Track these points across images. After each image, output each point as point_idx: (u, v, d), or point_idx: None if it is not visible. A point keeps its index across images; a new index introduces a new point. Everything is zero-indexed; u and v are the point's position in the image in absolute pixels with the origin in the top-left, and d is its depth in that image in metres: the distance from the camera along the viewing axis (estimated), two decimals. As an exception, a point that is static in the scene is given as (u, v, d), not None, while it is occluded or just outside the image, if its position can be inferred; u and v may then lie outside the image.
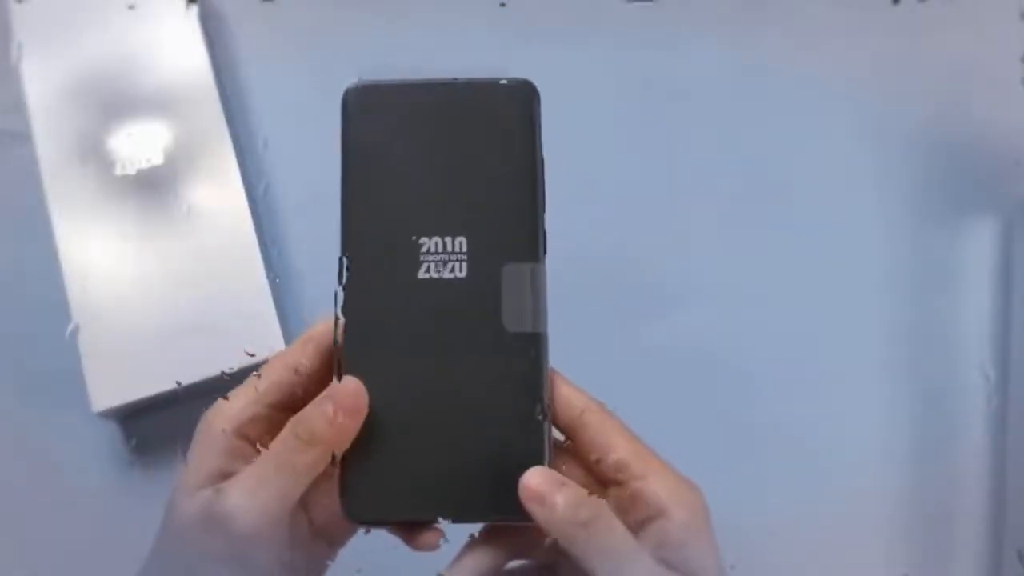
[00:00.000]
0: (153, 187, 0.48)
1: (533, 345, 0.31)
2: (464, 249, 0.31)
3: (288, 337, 0.46)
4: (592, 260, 0.50)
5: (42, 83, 0.49)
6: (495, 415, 0.30)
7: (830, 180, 0.53)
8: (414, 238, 0.31)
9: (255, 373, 0.31)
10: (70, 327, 0.45)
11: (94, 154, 0.48)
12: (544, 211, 0.32)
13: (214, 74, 0.50)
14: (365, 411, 0.30)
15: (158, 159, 0.48)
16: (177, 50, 0.50)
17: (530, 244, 0.31)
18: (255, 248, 0.47)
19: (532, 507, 0.29)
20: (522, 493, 0.29)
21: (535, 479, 0.29)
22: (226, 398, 0.31)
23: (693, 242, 0.52)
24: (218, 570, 0.28)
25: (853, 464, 0.49)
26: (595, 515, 0.29)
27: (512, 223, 0.31)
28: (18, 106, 0.49)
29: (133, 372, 0.45)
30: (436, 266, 0.31)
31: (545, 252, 0.31)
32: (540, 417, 0.30)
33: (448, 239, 0.31)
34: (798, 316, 0.50)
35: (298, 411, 0.30)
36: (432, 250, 0.31)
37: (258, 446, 0.30)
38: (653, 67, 0.54)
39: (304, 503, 0.30)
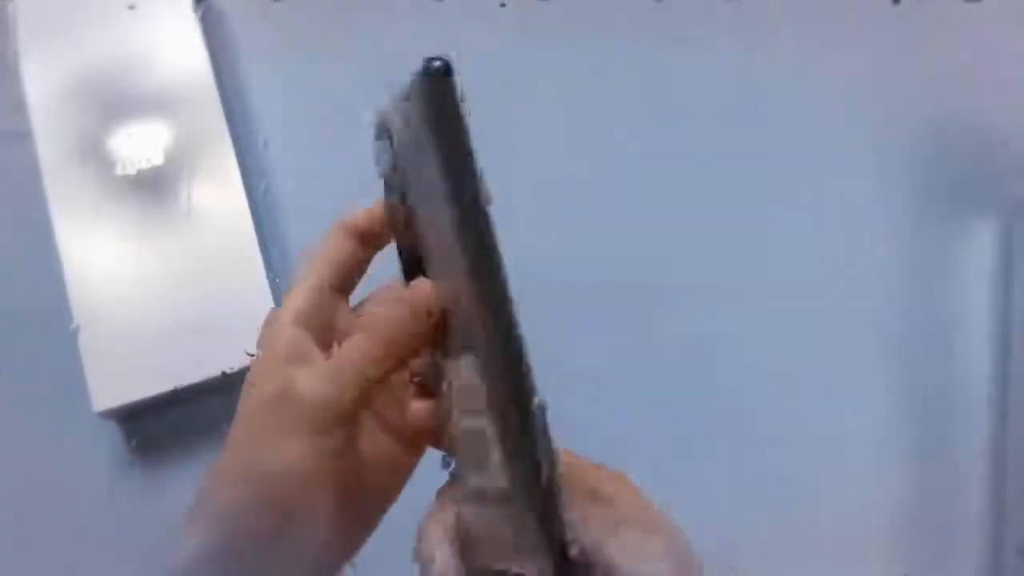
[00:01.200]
0: (153, 187, 0.48)
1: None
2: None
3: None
4: (593, 260, 0.50)
5: (42, 83, 0.49)
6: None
7: (830, 180, 0.53)
8: None
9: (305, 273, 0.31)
10: (70, 327, 0.45)
11: (94, 154, 0.48)
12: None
13: (214, 74, 0.50)
14: (434, 315, 0.29)
15: (158, 159, 0.48)
16: (177, 50, 0.50)
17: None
18: (255, 248, 0.47)
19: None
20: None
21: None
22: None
23: (693, 241, 0.52)
24: (287, 442, 0.28)
25: (853, 464, 0.49)
26: None
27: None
28: (18, 106, 0.49)
29: (133, 372, 0.45)
30: None
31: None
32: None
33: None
34: (798, 316, 0.50)
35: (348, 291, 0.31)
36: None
37: (334, 347, 0.30)
38: (653, 67, 0.54)
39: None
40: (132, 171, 0.48)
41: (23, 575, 0.46)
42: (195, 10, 0.51)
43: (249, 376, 0.30)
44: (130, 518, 0.46)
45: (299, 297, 0.30)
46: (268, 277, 0.47)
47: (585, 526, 0.27)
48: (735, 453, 0.48)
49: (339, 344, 0.30)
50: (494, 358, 0.26)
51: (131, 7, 0.51)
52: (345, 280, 0.31)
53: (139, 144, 0.48)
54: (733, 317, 0.50)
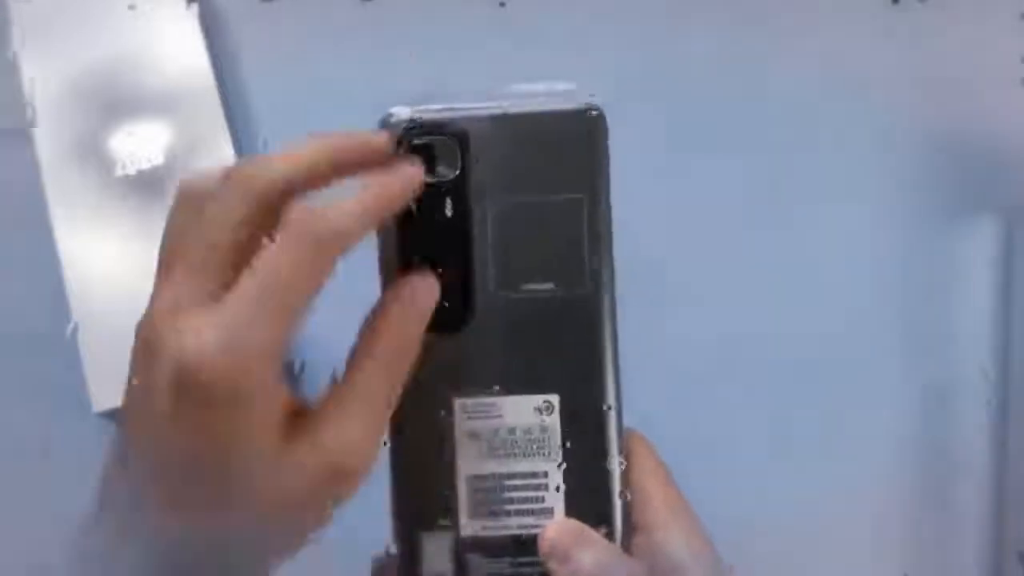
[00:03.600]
0: (153, 187, 0.48)
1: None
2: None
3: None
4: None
5: (42, 83, 0.49)
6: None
7: (829, 180, 0.53)
8: None
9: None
10: (70, 327, 0.45)
11: (94, 154, 0.48)
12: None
13: (214, 74, 0.50)
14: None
15: (158, 159, 0.48)
16: (177, 50, 0.50)
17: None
18: (255, 248, 0.47)
19: (552, 565, 0.27)
20: (541, 546, 0.27)
21: (556, 531, 0.27)
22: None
23: (692, 243, 0.52)
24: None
25: (853, 464, 0.49)
26: None
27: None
28: (18, 106, 0.49)
29: (133, 372, 0.45)
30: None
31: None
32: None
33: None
34: (797, 316, 0.50)
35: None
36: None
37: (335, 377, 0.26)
38: (654, 68, 0.54)
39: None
40: (132, 171, 0.48)
41: (23, 574, 0.46)
42: (195, 10, 0.51)
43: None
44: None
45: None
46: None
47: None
48: (735, 453, 0.48)
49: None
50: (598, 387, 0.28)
51: (131, 7, 0.51)
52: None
53: (139, 144, 0.48)
54: (732, 317, 0.50)
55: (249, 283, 0.23)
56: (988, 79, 0.54)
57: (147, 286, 0.28)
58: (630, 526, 0.28)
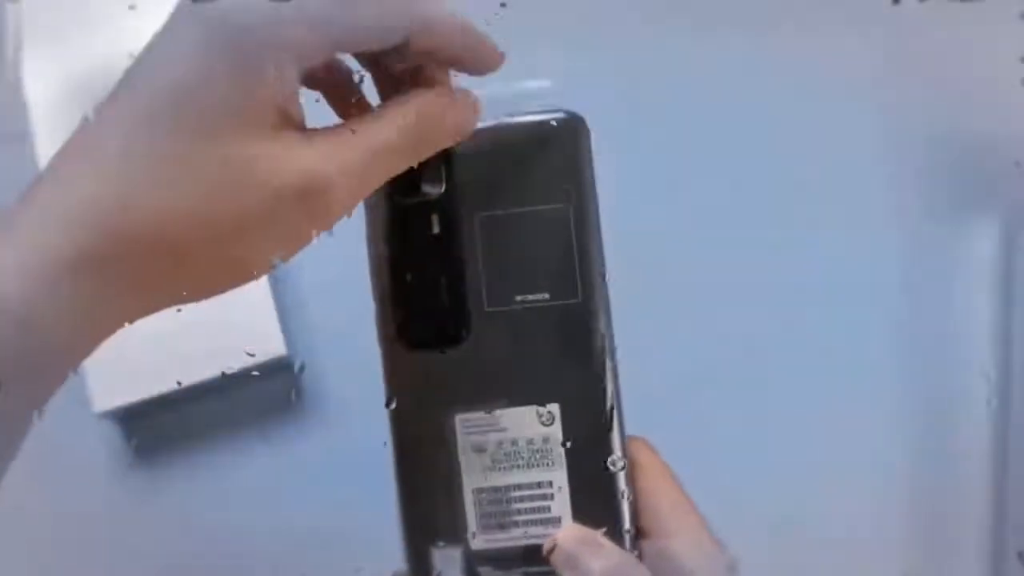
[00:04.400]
0: (153, 187, 0.48)
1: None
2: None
3: (288, 336, 0.46)
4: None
5: (42, 83, 0.49)
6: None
7: (829, 181, 0.53)
8: None
9: None
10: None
11: (94, 154, 0.48)
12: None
13: (214, 74, 0.50)
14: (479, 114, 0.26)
15: (158, 159, 0.48)
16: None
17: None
18: (255, 248, 0.47)
19: (563, 572, 0.27)
20: (553, 555, 0.27)
21: (564, 539, 0.27)
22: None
23: (693, 243, 0.52)
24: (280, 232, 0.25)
25: (853, 464, 0.49)
26: None
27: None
28: (18, 106, 0.49)
29: (133, 372, 0.45)
30: None
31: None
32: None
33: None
34: (797, 316, 0.50)
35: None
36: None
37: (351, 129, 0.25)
38: (656, 68, 0.54)
39: None
40: (132, 171, 0.48)
41: (23, 575, 0.46)
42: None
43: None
44: (130, 518, 0.46)
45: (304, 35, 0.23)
46: (268, 277, 0.47)
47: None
48: (734, 453, 0.48)
49: None
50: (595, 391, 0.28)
51: (131, 7, 0.51)
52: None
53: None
54: (732, 317, 0.50)
55: None
56: (988, 79, 0.54)
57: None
58: (638, 529, 0.28)
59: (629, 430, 0.30)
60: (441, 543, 0.28)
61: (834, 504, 0.48)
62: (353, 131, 0.24)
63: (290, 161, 0.23)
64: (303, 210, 0.24)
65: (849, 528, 0.48)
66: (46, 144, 0.48)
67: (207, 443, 0.46)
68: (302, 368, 0.48)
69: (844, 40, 0.55)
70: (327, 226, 0.25)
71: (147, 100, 0.24)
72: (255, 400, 0.47)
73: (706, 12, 0.55)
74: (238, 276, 0.26)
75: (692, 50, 0.54)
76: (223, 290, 0.26)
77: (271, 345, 0.45)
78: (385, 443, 0.29)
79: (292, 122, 0.24)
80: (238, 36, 0.23)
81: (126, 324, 0.25)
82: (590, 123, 0.32)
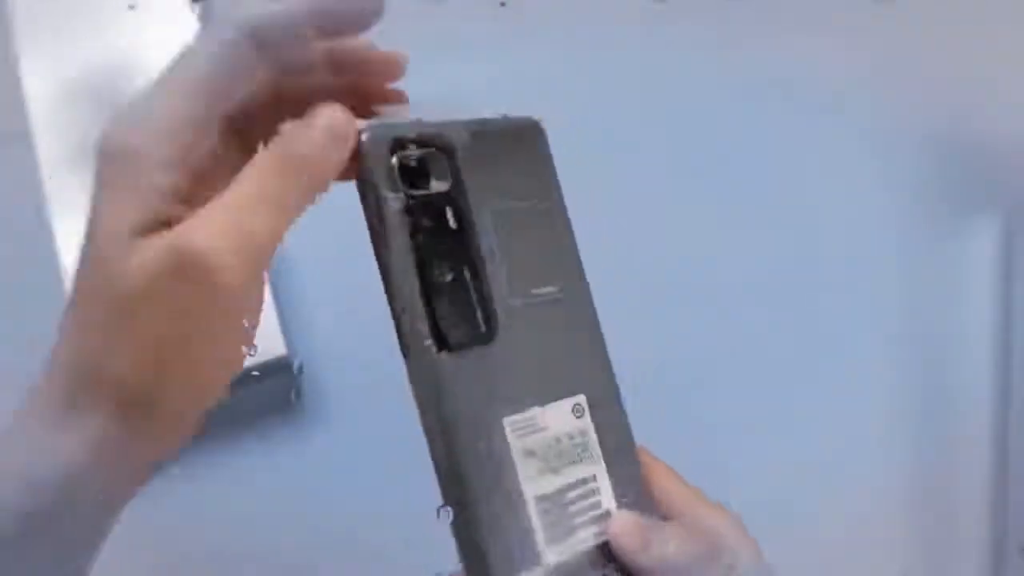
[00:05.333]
0: (153, 187, 0.48)
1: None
2: None
3: (288, 335, 0.46)
4: (593, 260, 0.50)
5: (42, 83, 0.49)
6: None
7: (829, 181, 0.53)
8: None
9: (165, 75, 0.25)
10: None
11: (94, 154, 0.48)
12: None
13: (214, 74, 0.50)
14: (353, 139, 0.25)
15: (158, 159, 0.48)
16: (177, 50, 0.50)
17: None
18: (255, 248, 0.47)
19: (637, 559, 0.26)
20: (621, 547, 0.26)
21: (622, 527, 0.27)
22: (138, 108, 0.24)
23: (694, 244, 0.52)
24: (196, 324, 0.23)
25: (853, 463, 0.49)
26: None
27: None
28: (18, 106, 0.49)
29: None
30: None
31: None
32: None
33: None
34: (798, 316, 0.50)
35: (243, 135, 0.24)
36: None
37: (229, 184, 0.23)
38: (654, 68, 0.54)
39: None
40: (132, 171, 0.48)
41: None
42: (195, 10, 0.51)
43: (93, 233, 0.25)
44: (130, 518, 0.46)
45: (170, 116, 0.23)
46: (268, 276, 0.47)
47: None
48: (734, 452, 0.48)
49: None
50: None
51: (131, 7, 0.51)
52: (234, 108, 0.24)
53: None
54: (732, 317, 0.50)
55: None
56: (988, 79, 0.54)
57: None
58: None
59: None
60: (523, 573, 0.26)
61: (835, 503, 0.48)
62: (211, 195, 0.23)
63: (146, 249, 0.23)
64: (189, 290, 0.23)
65: (849, 528, 0.48)
66: (46, 144, 0.48)
67: (207, 443, 0.46)
68: (301, 368, 0.48)
69: (844, 40, 0.55)
70: (238, 303, 0.24)
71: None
72: (255, 400, 0.47)
73: (706, 16, 0.55)
74: (199, 392, 0.25)
75: (690, 54, 0.54)
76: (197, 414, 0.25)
77: (271, 345, 0.45)
78: (447, 509, 0.26)
79: (160, 219, 0.23)
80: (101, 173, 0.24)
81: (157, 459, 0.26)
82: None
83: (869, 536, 0.49)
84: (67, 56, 0.49)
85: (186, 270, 0.22)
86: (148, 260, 0.23)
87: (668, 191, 0.52)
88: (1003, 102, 0.54)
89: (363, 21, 0.26)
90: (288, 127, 0.24)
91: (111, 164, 0.24)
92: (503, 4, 0.54)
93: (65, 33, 0.50)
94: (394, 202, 0.26)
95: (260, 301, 0.25)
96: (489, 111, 0.29)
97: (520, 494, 0.26)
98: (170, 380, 0.23)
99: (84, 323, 0.24)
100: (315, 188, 0.24)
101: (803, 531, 0.47)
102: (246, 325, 0.24)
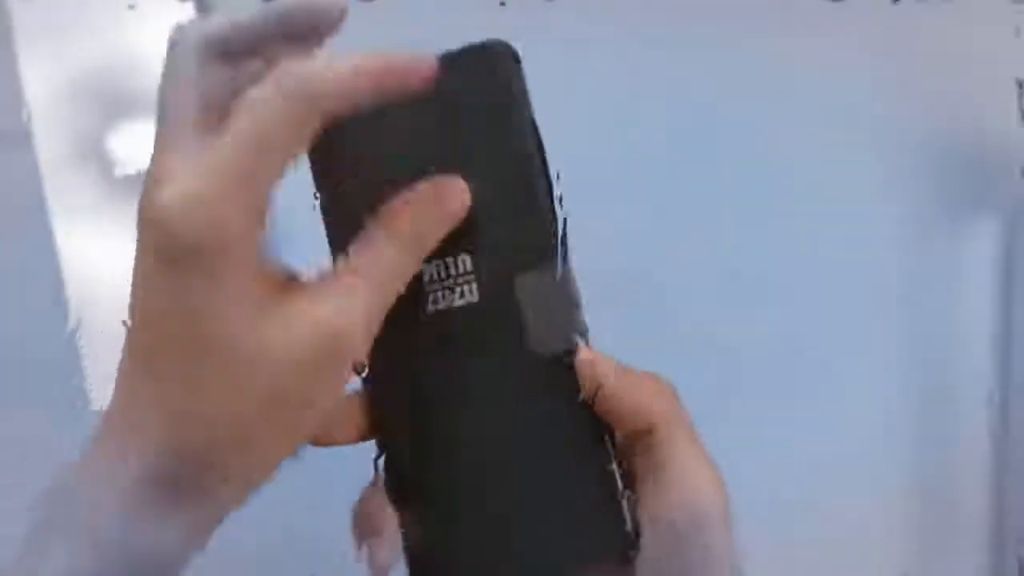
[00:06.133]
0: (153, 187, 0.48)
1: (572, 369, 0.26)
2: (469, 268, 0.26)
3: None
4: (592, 256, 0.50)
5: (42, 83, 0.49)
6: (549, 467, 0.26)
7: (829, 181, 0.53)
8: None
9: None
10: (70, 327, 0.45)
11: (94, 154, 0.48)
12: (555, 200, 0.28)
13: (214, 74, 0.50)
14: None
15: (158, 159, 0.48)
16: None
17: (540, 247, 0.27)
18: (255, 248, 0.47)
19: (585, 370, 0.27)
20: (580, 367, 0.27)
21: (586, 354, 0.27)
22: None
23: (694, 243, 0.52)
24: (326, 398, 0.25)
25: (853, 463, 0.49)
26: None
27: (516, 225, 0.26)
28: (18, 106, 0.49)
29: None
30: (444, 294, 0.26)
31: (563, 250, 0.28)
32: (608, 465, 0.27)
33: (450, 260, 0.26)
34: (798, 316, 0.50)
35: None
36: (435, 277, 0.26)
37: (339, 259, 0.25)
38: (654, 68, 0.54)
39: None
40: (132, 171, 0.48)
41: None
42: (195, 10, 0.51)
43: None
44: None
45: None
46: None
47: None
48: (733, 452, 0.48)
49: None
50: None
51: (131, 7, 0.51)
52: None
53: (139, 144, 0.48)
54: (733, 316, 0.50)
55: (230, 133, 0.22)
56: (987, 79, 0.54)
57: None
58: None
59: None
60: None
61: (834, 503, 0.48)
62: (353, 279, 0.24)
63: (304, 326, 0.23)
64: (334, 363, 0.24)
65: (849, 528, 0.48)
66: (46, 144, 0.48)
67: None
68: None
69: (844, 39, 0.55)
70: (359, 359, 0.25)
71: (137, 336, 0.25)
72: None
73: (705, 13, 0.55)
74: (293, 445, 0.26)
75: (690, 51, 0.54)
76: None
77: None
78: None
79: (277, 283, 0.24)
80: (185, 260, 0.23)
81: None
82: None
83: (869, 536, 0.49)
84: (67, 56, 0.49)
85: (332, 349, 0.23)
86: (294, 337, 0.23)
87: (667, 191, 0.52)
88: (1004, 102, 0.54)
89: (326, 26, 0.25)
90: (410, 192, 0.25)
91: (201, 265, 0.24)
92: (503, 4, 0.54)
93: (65, 33, 0.50)
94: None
95: None
96: None
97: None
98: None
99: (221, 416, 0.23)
100: (434, 242, 0.26)
101: (803, 531, 0.47)
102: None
